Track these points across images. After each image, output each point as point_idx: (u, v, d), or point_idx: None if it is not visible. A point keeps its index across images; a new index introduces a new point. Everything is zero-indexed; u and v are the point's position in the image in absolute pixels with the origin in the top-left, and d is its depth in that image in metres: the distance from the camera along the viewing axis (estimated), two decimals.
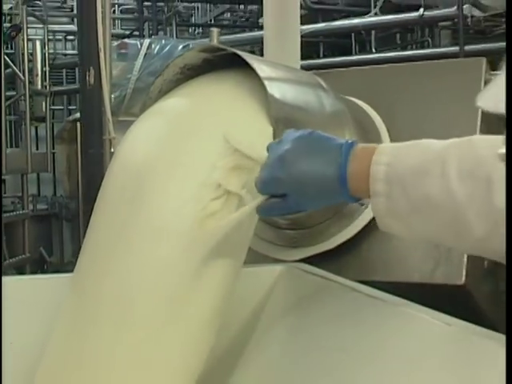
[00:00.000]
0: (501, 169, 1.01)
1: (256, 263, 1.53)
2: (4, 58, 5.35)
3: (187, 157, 1.25)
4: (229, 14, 8.86)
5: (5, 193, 6.72)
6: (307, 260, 1.53)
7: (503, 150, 0.60)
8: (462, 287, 1.49)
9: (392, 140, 1.61)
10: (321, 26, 7.40)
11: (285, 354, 1.32)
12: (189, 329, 1.20)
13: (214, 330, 1.22)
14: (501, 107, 0.58)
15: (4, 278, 1.38)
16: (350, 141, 1.13)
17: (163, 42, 6.39)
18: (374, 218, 1.52)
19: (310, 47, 7.53)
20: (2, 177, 5.99)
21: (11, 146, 6.87)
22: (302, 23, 7.44)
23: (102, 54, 2.01)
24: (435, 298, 1.31)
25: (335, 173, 1.09)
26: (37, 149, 6.32)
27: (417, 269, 1.54)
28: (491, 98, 0.60)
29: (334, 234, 1.55)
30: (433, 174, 1.04)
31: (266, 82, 1.29)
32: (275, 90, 1.31)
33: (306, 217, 1.54)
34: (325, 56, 8.32)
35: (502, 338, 0.95)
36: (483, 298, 1.57)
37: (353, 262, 1.57)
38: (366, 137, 1.59)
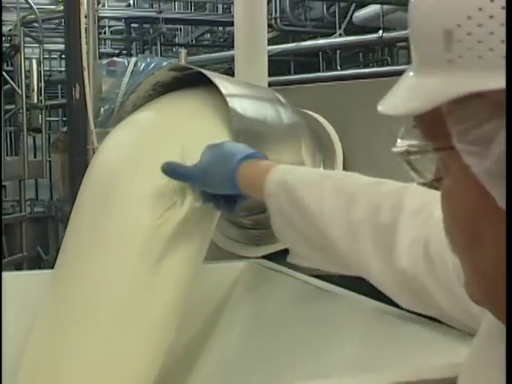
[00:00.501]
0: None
1: (222, 260, 1.55)
2: (3, 75, 5.34)
3: (148, 166, 1.25)
4: (209, 34, 8.86)
5: (5, 197, 6.70)
6: (268, 257, 1.55)
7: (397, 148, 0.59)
8: None
9: (345, 150, 1.63)
10: (291, 45, 7.42)
11: (244, 342, 1.32)
12: (146, 326, 1.20)
13: (172, 327, 1.22)
14: (400, 110, 0.56)
15: (4, 274, 1.40)
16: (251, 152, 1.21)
17: (148, 60, 6.35)
18: None
19: (281, 65, 7.58)
20: (3, 183, 5.97)
21: (11, 155, 6.83)
22: (274, 43, 7.48)
23: (85, 72, 2.02)
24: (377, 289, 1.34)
25: (227, 171, 1.18)
26: (34, 157, 6.27)
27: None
28: (388, 102, 0.58)
29: None
30: (314, 185, 1.12)
31: (228, 98, 1.31)
32: (236, 104, 1.34)
33: (268, 218, 1.56)
34: (295, 73, 8.33)
35: (431, 323, 0.98)
36: None
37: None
38: (320, 147, 1.62)
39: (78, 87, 2.19)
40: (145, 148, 1.30)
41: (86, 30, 2.09)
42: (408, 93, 0.56)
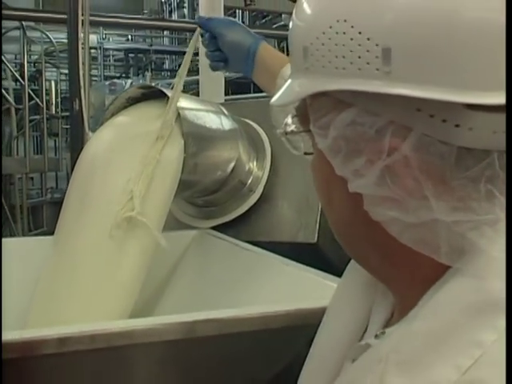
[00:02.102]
0: None
1: (181, 229, 1.55)
2: (29, 92, 5.28)
3: (119, 159, 1.25)
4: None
5: (32, 185, 6.61)
6: (215, 228, 1.54)
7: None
8: (315, 245, 1.47)
9: (272, 148, 1.63)
10: None
11: (191, 291, 1.34)
12: (119, 278, 1.20)
13: (140, 280, 1.22)
14: (278, 102, 0.58)
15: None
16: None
17: (141, 81, 6.35)
18: (259, 199, 1.56)
19: (243, 86, 7.51)
20: (30, 174, 5.91)
21: (36, 154, 6.73)
22: None
23: (82, 90, 2.02)
24: (300, 253, 1.35)
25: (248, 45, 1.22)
26: (55, 155, 6.19)
27: (287, 232, 1.52)
28: (275, 97, 0.59)
29: (233, 210, 1.56)
30: None
31: (180, 110, 1.32)
32: (187, 113, 1.34)
33: (215, 199, 1.57)
34: (255, 92, 8.29)
35: (328, 275, 0.99)
36: (331, 253, 1.48)
37: (245, 228, 1.55)
38: (254, 146, 1.61)
39: (77, 101, 2.17)
40: (117, 142, 1.29)
41: (82, 59, 2.10)
42: (285, 91, 0.58)
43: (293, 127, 0.61)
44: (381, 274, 0.60)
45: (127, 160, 1.23)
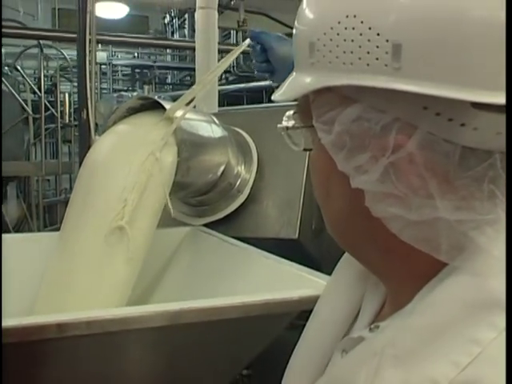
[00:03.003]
0: None
1: (175, 226, 1.54)
2: (45, 103, 5.26)
3: (119, 163, 1.23)
4: (189, 77, 8.77)
5: (48, 186, 6.59)
6: (207, 225, 1.53)
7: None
8: (296, 241, 1.46)
9: (259, 154, 1.61)
10: (243, 85, 7.40)
11: (183, 282, 1.32)
12: (114, 279, 1.17)
13: (132, 279, 1.19)
14: (281, 98, 0.53)
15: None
16: None
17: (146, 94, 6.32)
18: (246, 200, 1.54)
19: (237, 98, 7.53)
20: (46, 177, 5.89)
21: (51, 158, 6.71)
22: (232, 84, 7.39)
23: (89, 101, 2.00)
24: (282, 248, 1.33)
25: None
26: (68, 159, 6.16)
27: (271, 229, 1.51)
28: (277, 93, 0.54)
29: (223, 209, 1.55)
30: None
31: (174, 118, 1.30)
32: (181, 122, 1.33)
33: (207, 199, 1.56)
34: (247, 103, 8.30)
35: (305, 268, 0.98)
36: (311, 248, 1.52)
37: (233, 226, 1.54)
38: (243, 152, 1.60)
39: (84, 111, 2.16)
40: (116, 148, 1.28)
41: (89, 73, 2.08)
42: (288, 86, 0.54)
43: (293, 123, 0.56)
44: (376, 268, 0.55)
45: (124, 165, 1.21)
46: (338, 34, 0.46)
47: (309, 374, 0.60)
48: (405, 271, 0.51)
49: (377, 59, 0.44)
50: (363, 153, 0.47)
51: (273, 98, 0.55)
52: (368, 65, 0.44)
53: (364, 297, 0.61)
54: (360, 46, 0.45)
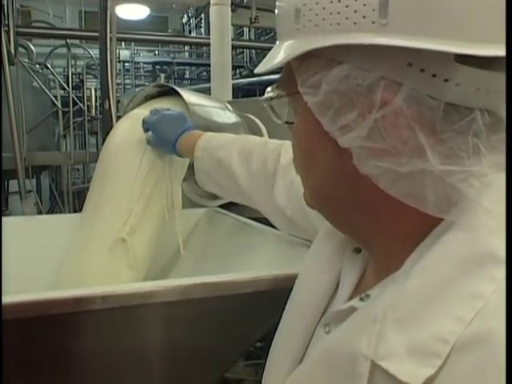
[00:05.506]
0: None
1: (192, 207, 1.51)
2: (73, 98, 5.25)
3: (135, 146, 1.18)
4: (205, 72, 8.72)
5: (78, 175, 6.60)
6: (222, 206, 1.50)
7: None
8: None
9: (270, 137, 1.58)
10: (255, 79, 7.33)
11: (200, 259, 1.29)
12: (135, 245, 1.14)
13: (153, 248, 1.17)
14: (264, 68, 0.50)
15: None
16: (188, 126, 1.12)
17: None
18: None
19: (250, 91, 7.45)
20: (75, 166, 5.88)
21: (80, 149, 6.70)
22: (245, 77, 7.31)
23: (110, 92, 1.98)
24: None
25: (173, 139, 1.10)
26: (96, 150, 6.14)
27: None
28: (260, 64, 0.51)
29: None
30: (226, 148, 1.03)
31: (189, 105, 1.27)
32: (196, 108, 1.29)
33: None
34: (259, 96, 8.22)
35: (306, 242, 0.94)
36: None
37: (247, 207, 1.50)
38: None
39: (107, 101, 2.14)
40: (134, 131, 1.23)
41: (110, 66, 2.06)
42: (272, 54, 0.50)
43: (276, 93, 0.52)
44: (361, 233, 0.51)
45: (139, 148, 1.18)
46: None
47: (292, 354, 0.56)
48: (392, 232, 0.48)
49: (364, 17, 0.42)
50: (351, 111, 0.44)
51: (256, 70, 0.52)
52: (355, 23, 0.42)
53: (341, 271, 0.57)
54: (347, 6, 0.43)
